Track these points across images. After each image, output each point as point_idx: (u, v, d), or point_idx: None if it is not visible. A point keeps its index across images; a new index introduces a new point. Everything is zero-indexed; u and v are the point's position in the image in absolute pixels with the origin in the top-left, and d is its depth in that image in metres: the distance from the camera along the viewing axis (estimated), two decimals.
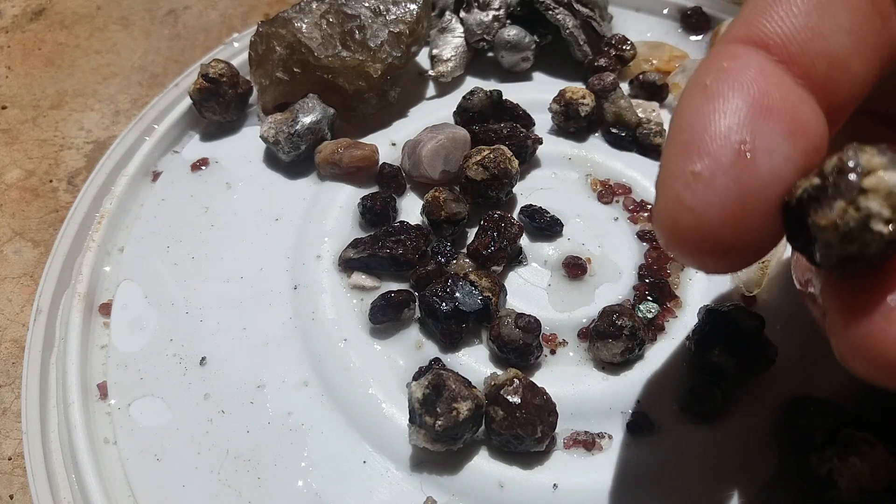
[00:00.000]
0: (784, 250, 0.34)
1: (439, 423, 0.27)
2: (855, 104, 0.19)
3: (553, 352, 0.32)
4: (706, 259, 0.17)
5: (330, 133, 0.39)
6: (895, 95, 0.21)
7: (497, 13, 0.43)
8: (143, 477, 0.30)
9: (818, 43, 0.18)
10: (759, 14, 0.18)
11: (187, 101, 0.42)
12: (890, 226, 0.15)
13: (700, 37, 0.47)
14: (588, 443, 0.29)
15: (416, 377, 0.31)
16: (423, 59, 0.45)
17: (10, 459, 0.34)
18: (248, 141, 0.41)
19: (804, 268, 0.23)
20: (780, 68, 0.18)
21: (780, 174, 0.17)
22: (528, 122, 0.40)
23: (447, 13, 0.45)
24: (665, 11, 0.48)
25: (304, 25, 0.39)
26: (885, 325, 0.16)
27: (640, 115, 0.40)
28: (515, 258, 0.35)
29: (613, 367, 0.31)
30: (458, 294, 0.31)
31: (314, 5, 0.40)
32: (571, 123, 0.40)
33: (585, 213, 0.37)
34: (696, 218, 0.17)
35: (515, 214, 0.36)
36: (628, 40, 0.44)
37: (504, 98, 0.40)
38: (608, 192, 0.38)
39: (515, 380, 0.28)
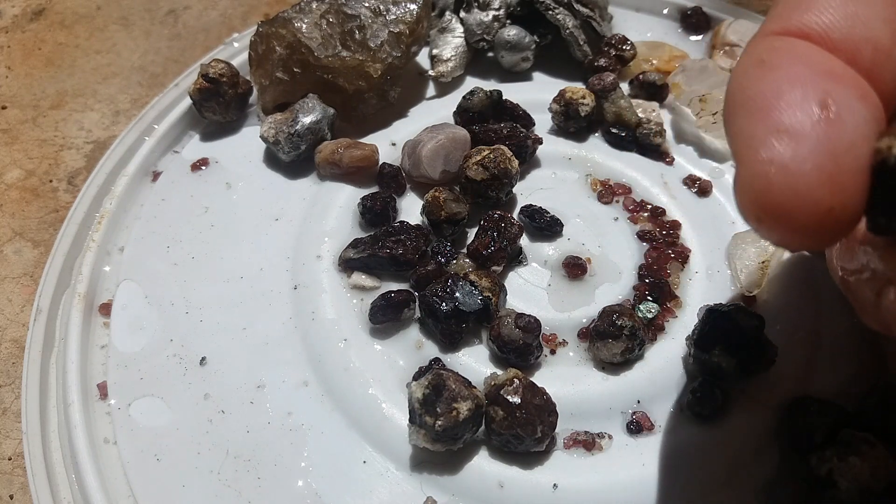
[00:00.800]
0: (784, 250, 0.34)
1: (439, 423, 0.27)
2: None
3: (553, 352, 0.32)
4: (802, 226, 0.16)
5: (330, 133, 0.39)
6: None
7: (497, 13, 0.43)
8: (143, 477, 0.30)
9: (861, 29, 0.17)
10: (794, 7, 0.18)
11: (187, 101, 0.42)
12: None
13: (700, 37, 0.47)
14: (588, 443, 0.29)
15: (416, 377, 0.31)
16: (423, 59, 0.45)
17: (10, 459, 0.34)
18: (248, 141, 0.41)
19: (851, 247, 0.21)
20: (825, 52, 0.17)
21: (863, 133, 0.16)
22: (528, 122, 0.40)
23: (447, 13, 0.45)
24: (665, 11, 0.48)
25: (304, 25, 0.39)
26: None
27: (640, 115, 0.40)
28: (515, 258, 0.35)
29: (613, 367, 0.31)
30: (458, 294, 0.31)
31: (314, 5, 0.40)
32: (571, 123, 0.40)
33: (585, 213, 0.37)
34: (791, 177, 0.15)
35: (515, 214, 0.36)
36: (628, 40, 0.44)
37: (504, 98, 0.40)
38: (608, 192, 0.38)
39: (515, 380, 0.28)
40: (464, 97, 0.39)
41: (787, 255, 0.34)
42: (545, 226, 0.35)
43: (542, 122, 0.41)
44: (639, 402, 0.30)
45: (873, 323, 0.20)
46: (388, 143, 0.40)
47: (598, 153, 0.39)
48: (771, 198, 0.16)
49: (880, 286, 0.18)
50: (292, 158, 0.39)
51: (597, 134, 0.41)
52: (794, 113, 0.16)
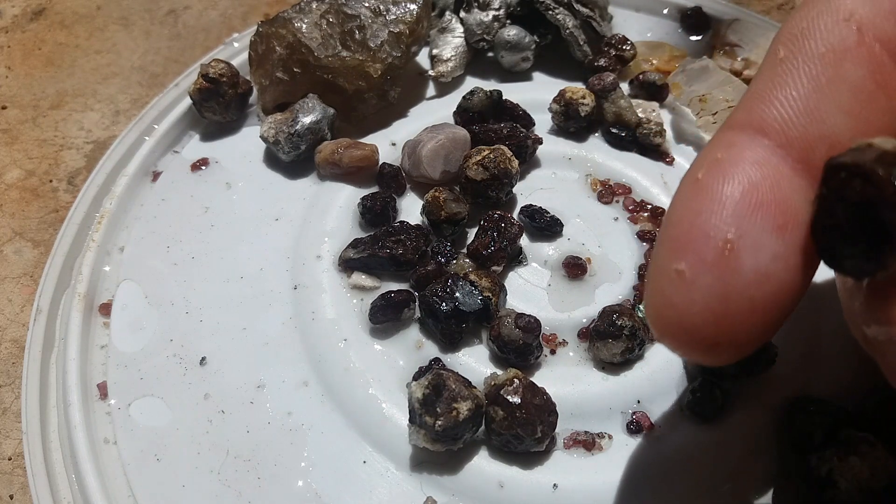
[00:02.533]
0: None
1: (439, 423, 0.27)
2: None
3: (553, 352, 0.32)
4: (695, 353, 0.17)
5: (330, 133, 0.39)
6: None
7: (497, 13, 0.43)
8: (143, 477, 0.30)
9: (817, 127, 0.18)
10: (759, 100, 0.18)
11: (187, 101, 0.42)
12: None
13: (700, 37, 0.47)
14: (588, 443, 0.29)
15: (416, 377, 0.31)
16: (423, 59, 0.45)
17: (10, 459, 0.34)
18: (248, 141, 0.41)
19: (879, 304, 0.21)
20: (778, 154, 0.18)
21: (765, 272, 0.16)
22: (528, 122, 0.40)
23: (447, 13, 0.45)
24: (665, 11, 0.48)
25: (304, 25, 0.39)
26: None
27: (640, 115, 0.40)
28: (515, 258, 0.35)
29: (613, 367, 0.31)
30: (458, 294, 0.31)
31: (314, 5, 0.40)
32: (571, 123, 0.40)
33: (585, 213, 0.37)
34: (680, 315, 0.17)
35: (515, 214, 0.36)
36: (628, 40, 0.44)
37: (504, 98, 0.40)
38: (608, 192, 0.38)
39: (515, 380, 0.28)
40: (464, 97, 0.39)
41: None
42: (545, 226, 0.35)
43: (542, 122, 0.41)
44: (639, 402, 0.30)
45: None
46: (388, 143, 0.40)
47: (598, 153, 0.39)
48: (664, 328, 0.17)
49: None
50: (292, 158, 0.39)
51: (597, 134, 0.41)
52: (696, 252, 0.17)
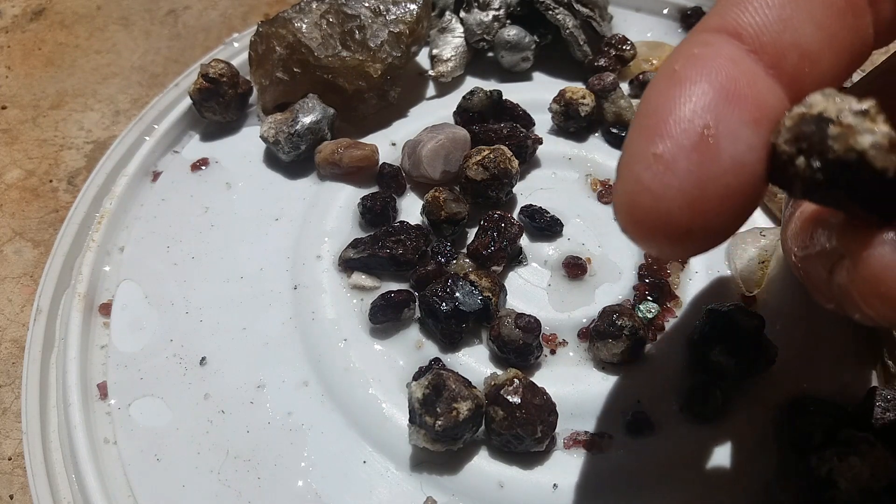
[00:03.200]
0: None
1: (439, 423, 0.27)
2: None
3: (553, 352, 0.32)
4: (662, 242, 0.17)
5: (330, 133, 0.39)
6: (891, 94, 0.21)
7: (497, 13, 0.43)
8: (143, 477, 0.30)
9: (790, 34, 0.18)
10: (734, 4, 0.19)
11: (187, 101, 0.42)
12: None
13: None
14: (588, 443, 0.29)
15: (416, 377, 0.31)
16: (423, 59, 0.45)
17: (10, 459, 0.34)
18: (248, 141, 0.41)
19: (807, 228, 0.22)
20: (751, 57, 0.18)
21: (741, 161, 0.17)
22: (528, 122, 0.40)
23: (447, 13, 0.45)
24: (665, 11, 0.48)
25: (304, 25, 0.39)
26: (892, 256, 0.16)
27: None
28: (515, 258, 0.35)
29: (613, 367, 0.31)
30: (458, 294, 0.31)
31: (314, 5, 0.40)
32: (571, 123, 0.40)
33: (585, 213, 0.37)
34: (655, 200, 0.17)
35: (515, 214, 0.36)
36: (628, 40, 0.44)
37: (504, 98, 0.40)
38: (608, 192, 0.38)
39: (515, 380, 0.28)
40: (464, 97, 0.39)
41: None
42: (545, 226, 0.35)
43: (542, 122, 0.41)
44: (639, 402, 0.30)
45: (825, 301, 0.20)
46: (388, 143, 0.40)
47: (598, 153, 0.39)
48: (636, 214, 0.17)
49: (832, 263, 0.19)
50: (292, 158, 0.39)
51: (597, 134, 0.41)
52: (675, 138, 0.17)
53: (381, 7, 0.40)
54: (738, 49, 0.18)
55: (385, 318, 0.32)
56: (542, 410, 0.28)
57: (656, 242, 0.17)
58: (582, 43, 0.43)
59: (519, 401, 0.28)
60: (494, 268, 0.33)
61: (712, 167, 0.16)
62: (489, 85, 0.43)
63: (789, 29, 0.18)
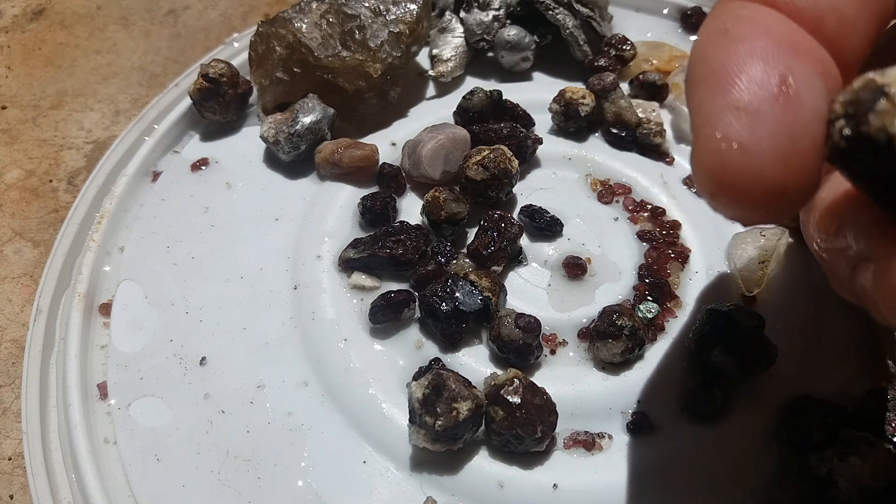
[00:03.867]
0: (783, 250, 0.34)
1: (439, 423, 0.27)
2: (859, 65, 0.18)
3: (553, 352, 0.32)
4: (754, 204, 0.16)
5: (330, 133, 0.39)
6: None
7: (497, 13, 0.43)
8: (143, 477, 0.30)
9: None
10: None
11: (187, 101, 0.42)
12: None
13: None
14: (588, 443, 0.29)
15: (416, 377, 0.31)
16: (423, 59, 0.45)
17: (10, 459, 0.34)
18: (248, 141, 0.41)
19: (828, 217, 0.21)
20: (791, 21, 0.17)
21: (821, 111, 0.16)
22: (528, 122, 0.40)
23: (447, 13, 0.45)
24: (665, 11, 0.48)
25: (304, 25, 0.39)
26: None
27: (640, 115, 0.40)
28: (515, 258, 0.35)
29: (613, 367, 0.31)
30: (458, 294, 0.31)
31: (314, 5, 0.40)
32: (571, 123, 0.40)
33: (585, 213, 0.37)
34: (746, 156, 0.15)
35: (515, 214, 0.36)
36: (628, 40, 0.44)
37: (504, 98, 0.40)
38: (608, 192, 0.38)
39: (515, 380, 0.28)
40: (464, 97, 0.39)
41: (786, 255, 0.34)
42: (545, 226, 0.35)
43: (542, 122, 0.41)
44: (639, 402, 0.30)
45: (845, 295, 0.20)
46: (388, 143, 0.40)
47: (598, 153, 0.39)
48: (726, 176, 0.16)
49: (856, 262, 0.18)
50: (292, 158, 0.39)
51: (597, 134, 0.41)
52: (754, 89, 0.16)
53: (381, 7, 0.40)
54: (776, 14, 0.17)
55: (385, 318, 0.32)
56: (542, 410, 0.28)
57: (748, 204, 0.16)
58: (582, 43, 0.43)
59: (519, 401, 0.28)
60: (494, 268, 0.33)
61: (799, 117, 0.15)
62: (489, 85, 0.43)
63: None
